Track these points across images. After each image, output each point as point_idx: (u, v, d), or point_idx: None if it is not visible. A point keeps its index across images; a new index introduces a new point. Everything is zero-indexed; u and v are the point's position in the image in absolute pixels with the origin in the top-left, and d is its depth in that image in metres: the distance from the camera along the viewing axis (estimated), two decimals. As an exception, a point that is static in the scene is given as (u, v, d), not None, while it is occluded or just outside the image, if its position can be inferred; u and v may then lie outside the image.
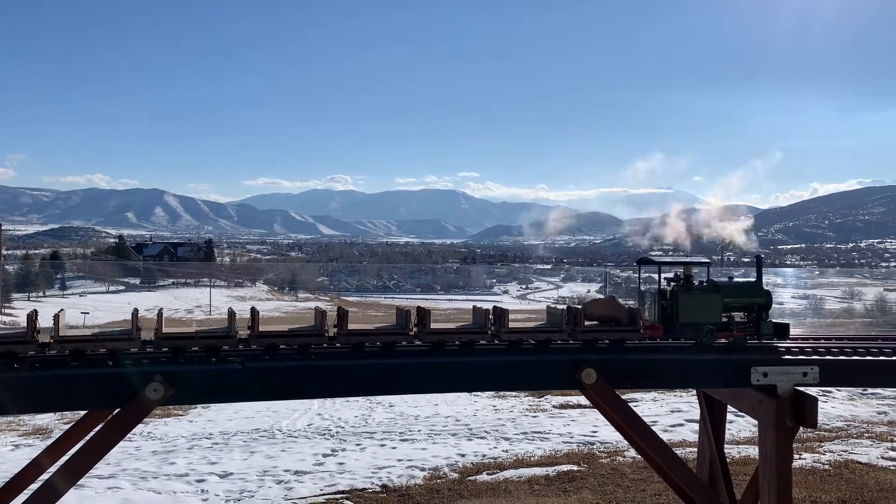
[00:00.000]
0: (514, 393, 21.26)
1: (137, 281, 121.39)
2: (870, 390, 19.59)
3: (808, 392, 6.09)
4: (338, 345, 5.92)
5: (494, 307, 6.42)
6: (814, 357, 6.44)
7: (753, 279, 7.71)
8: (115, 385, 5.22)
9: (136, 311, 5.96)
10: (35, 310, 5.73)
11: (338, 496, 11.29)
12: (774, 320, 7.23)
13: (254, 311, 5.89)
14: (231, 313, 5.87)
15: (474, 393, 21.29)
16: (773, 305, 7.52)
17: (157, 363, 5.51)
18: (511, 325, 6.34)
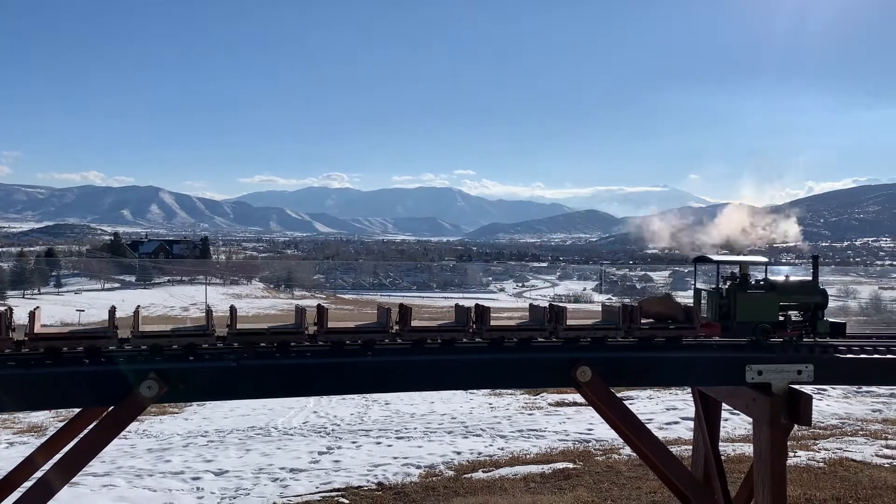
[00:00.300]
0: (510, 391, 21.27)
1: (133, 278, 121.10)
2: (864, 388, 19.64)
3: (802, 390, 6.11)
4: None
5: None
6: (808, 355, 6.45)
7: (809, 278, 7.70)
8: (110, 383, 5.21)
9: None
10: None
11: (333, 494, 11.28)
12: (830, 319, 7.21)
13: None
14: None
15: (470, 391, 21.31)
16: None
17: (150, 361, 5.49)
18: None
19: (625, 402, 6.80)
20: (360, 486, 11.61)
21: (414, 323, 6.14)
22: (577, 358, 5.94)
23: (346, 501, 10.88)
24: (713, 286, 7.33)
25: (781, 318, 7.07)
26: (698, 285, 7.76)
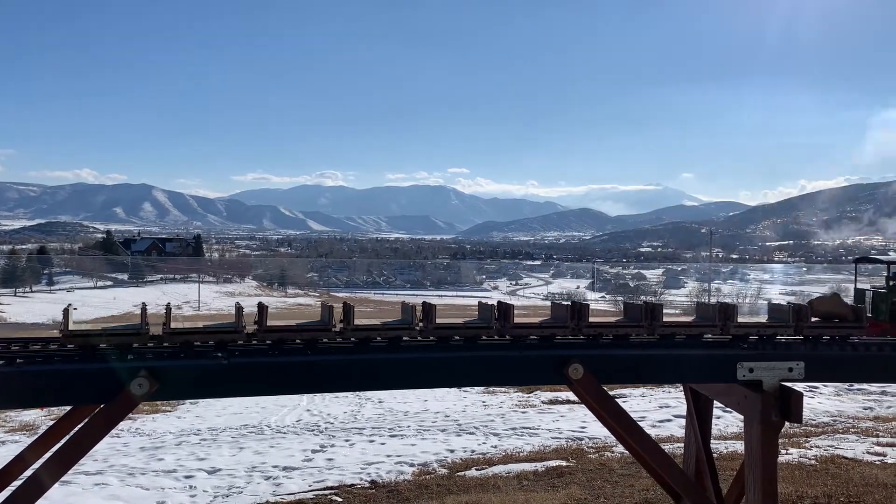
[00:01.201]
0: (503, 389, 21.30)
1: (125, 276, 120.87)
2: (856, 386, 19.74)
3: (793, 387, 6.13)
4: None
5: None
6: (799, 352, 6.47)
7: None
8: (100, 380, 5.19)
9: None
10: (70, 305, 5.66)
11: (326, 492, 11.27)
12: None
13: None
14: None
15: (463, 388, 21.34)
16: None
17: (142, 358, 5.47)
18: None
19: (617, 400, 6.79)
20: (353, 484, 11.60)
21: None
22: (569, 355, 5.94)
23: (340, 499, 10.87)
24: (880, 286, 7.22)
25: None
26: (859, 286, 7.65)
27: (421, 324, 6.07)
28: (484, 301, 6.56)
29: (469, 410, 18.50)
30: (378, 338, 6.04)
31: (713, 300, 7.73)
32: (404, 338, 6.11)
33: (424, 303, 6.21)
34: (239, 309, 5.85)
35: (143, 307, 5.89)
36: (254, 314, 5.86)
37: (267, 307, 5.84)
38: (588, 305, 6.39)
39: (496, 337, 6.22)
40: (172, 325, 5.65)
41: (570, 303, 6.47)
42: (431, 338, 6.12)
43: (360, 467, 12.52)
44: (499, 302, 6.33)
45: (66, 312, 5.53)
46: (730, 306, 6.47)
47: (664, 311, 6.50)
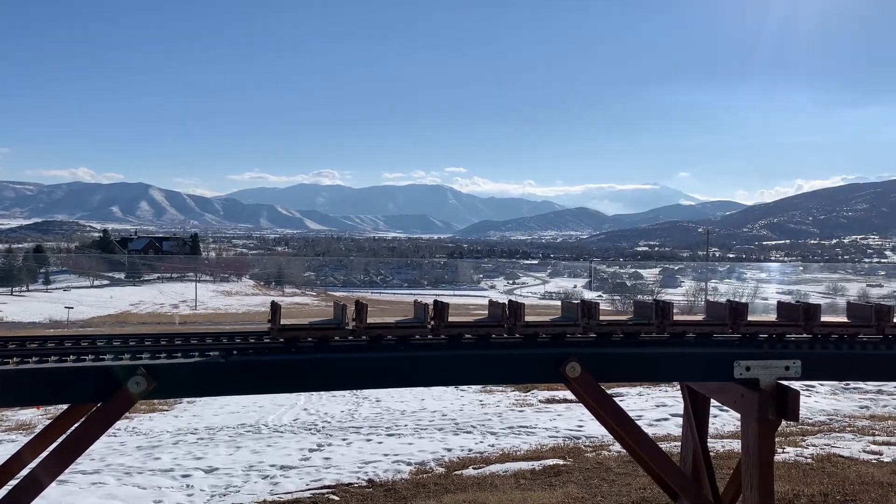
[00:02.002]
0: (500, 387, 21.31)
1: (122, 275, 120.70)
2: (852, 384, 19.80)
3: (790, 386, 6.13)
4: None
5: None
6: (796, 351, 6.48)
7: None
8: (97, 379, 5.18)
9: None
10: (274, 303, 5.95)
11: (324, 491, 11.26)
12: None
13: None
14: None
15: (460, 387, 21.35)
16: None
17: (138, 356, 5.47)
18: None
19: (615, 398, 6.78)
20: (350, 483, 11.59)
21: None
22: (566, 353, 5.94)
23: (337, 498, 10.87)
24: None
25: None
26: None
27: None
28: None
29: (466, 409, 18.51)
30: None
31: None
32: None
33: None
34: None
35: (343, 304, 6.09)
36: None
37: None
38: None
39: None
40: (282, 322, 5.86)
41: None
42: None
43: (357, 466, 12.51)
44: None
45: (277, 308, 5.84)
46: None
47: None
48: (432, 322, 6.12)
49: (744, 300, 7.85)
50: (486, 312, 6.52)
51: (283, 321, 5.86)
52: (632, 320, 6.56)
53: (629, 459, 10.62)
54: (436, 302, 6.23)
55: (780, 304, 6.99)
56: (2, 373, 5.05)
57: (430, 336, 6.16)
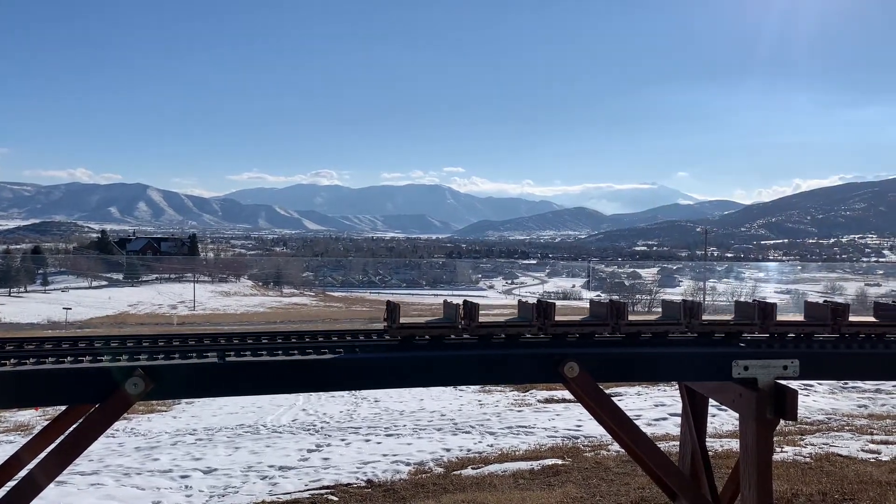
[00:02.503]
0: (499, 388, 21.31)
1: (120, 276, 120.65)
2: (850, 384, 19.82)
3: (788, 385, 6.14)
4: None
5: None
6: (794, 350, 6.49)
7: None
8: (96, 380, 5.17)
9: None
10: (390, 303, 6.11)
11: (322, 491, 11.26)
12: None
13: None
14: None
15: (459, 388, 21.34)
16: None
17: (136, 357, 5.46)
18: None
19: (613, 398, 6.78)
20: (349, 484, 11.59)
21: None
22: (564, 353, 5.95)
23: (336, 499, 10.87)
24: None
25: None
26: None
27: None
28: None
29: (465, 409, 18.51)
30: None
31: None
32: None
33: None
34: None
35: (455, 304, 6.23)
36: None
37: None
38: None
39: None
40: (401, 321, 6.04)
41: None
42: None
43: (356, 466, 12.51)
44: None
45: (396, 308, 6.02)
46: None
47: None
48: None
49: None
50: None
51: (402, 320, 6.06)
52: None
53: (628, 459, 10.62)
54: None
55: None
56: (0, 374, 5.04)
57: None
